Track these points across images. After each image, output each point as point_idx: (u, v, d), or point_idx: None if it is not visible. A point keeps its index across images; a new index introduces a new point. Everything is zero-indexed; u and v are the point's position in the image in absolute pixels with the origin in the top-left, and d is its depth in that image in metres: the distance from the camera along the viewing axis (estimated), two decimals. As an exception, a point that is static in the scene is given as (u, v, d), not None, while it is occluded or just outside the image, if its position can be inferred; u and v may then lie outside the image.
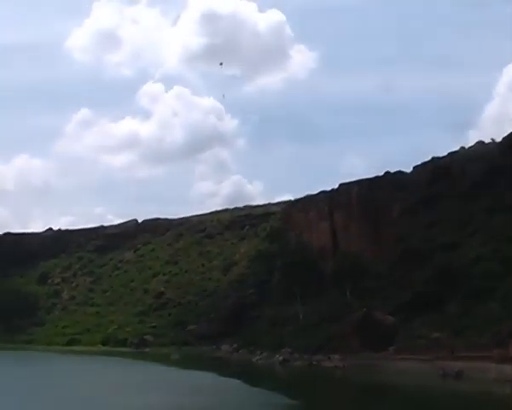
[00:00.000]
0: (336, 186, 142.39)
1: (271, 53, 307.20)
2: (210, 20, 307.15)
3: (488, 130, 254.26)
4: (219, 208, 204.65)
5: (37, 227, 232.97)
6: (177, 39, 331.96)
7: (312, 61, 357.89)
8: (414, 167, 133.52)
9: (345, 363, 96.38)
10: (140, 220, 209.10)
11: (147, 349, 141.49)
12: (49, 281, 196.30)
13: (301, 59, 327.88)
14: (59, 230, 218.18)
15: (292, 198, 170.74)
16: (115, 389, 76.66)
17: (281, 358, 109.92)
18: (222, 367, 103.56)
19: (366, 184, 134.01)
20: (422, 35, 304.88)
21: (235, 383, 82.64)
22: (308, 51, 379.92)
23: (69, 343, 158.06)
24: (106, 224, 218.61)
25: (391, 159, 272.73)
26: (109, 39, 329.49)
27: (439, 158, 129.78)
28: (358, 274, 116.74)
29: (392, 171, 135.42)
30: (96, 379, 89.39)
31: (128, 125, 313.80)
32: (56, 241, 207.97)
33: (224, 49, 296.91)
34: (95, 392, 70.79)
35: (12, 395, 67.25)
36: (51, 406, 61.66)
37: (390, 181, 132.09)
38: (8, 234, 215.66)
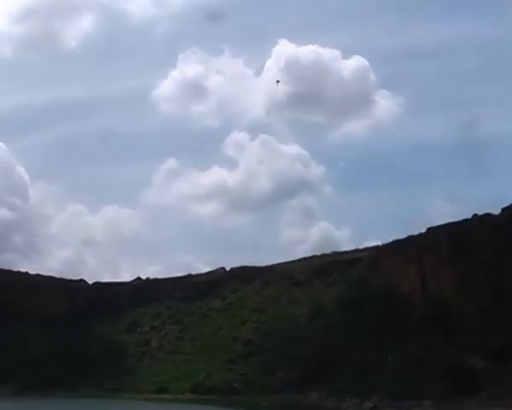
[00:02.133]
0: (424, 230, 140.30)
1: (356, 99, 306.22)
2: (294, 68, 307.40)
3: None
4: (307, 255, 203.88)
5: (125, 276, 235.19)
6: (262, 88, 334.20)
7: (397, 105, 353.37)
8: (502, 209, 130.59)
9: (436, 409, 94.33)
10: (228, 268, 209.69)
11: (235, 397, 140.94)
12: (138, 330, 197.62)
13: (386, 104, 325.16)
14: (147, 279, 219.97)
15: (380, 243, 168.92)
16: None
17: (370, 405, 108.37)
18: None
19: (455, 228, 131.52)
20: (509, 74, 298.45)
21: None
22: (392, 96, 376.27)
23: (158, 391, 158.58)
24: (194, 272, 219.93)
25: (477, 201, 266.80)
26: (195, 90, 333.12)
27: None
28: (449, 318, 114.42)
29: (479, 213, 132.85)
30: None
31: (215, 174, 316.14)
32: (145, 290, 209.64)
33: (309, 97, 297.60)
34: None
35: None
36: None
37: (479, 224, 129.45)
38: (97, 283, 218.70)
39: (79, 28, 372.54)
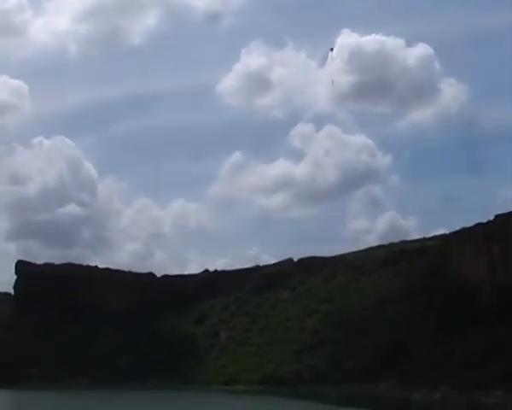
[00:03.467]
0: (492, 218, 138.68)
1: (421, 88, 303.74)
2: (358, 57, 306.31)
3: None
4: (374, 245, 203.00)
5: (193, 269, 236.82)
6: (326, 79, 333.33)
7: (462, 93, 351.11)
8: None
9: (508, 399, 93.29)
10: (295, 259, 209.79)
11: (304, 388, 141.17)
12: (207, 322, 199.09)
13: (451, 92, 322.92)
14: (215, 271, 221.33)
15: (447, 232, 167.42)
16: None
17: (439, 395, 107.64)
18: (380, 405, 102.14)
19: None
20: None
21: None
22: (458, 84, 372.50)
23: (228, 383, 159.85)
24: (261, 264, 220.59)
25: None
26: (259, 82, 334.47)
27: None
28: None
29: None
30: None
31: (281, 166, 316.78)
32: (213, 282, 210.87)
33: (373, 87, 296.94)
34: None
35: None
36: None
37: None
38: (165, 276, 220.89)
39: (144, 24, 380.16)
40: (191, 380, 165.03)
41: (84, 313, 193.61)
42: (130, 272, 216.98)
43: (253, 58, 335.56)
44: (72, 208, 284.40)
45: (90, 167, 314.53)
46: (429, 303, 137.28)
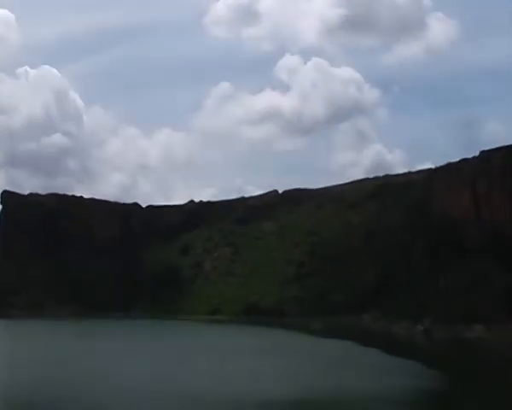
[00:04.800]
0: (477, 154, 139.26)
1: (409, 22, 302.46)
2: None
3: None
4: (360, 178, 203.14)
5: (179, 200, 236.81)
6: (315, 12, 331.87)
7: (451, 28, 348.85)
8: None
9: (487, 334, 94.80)
10: (280, 191, 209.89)
11: (288, 319, 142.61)
12: (191, 252, 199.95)
13: (440, 27, 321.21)
14: (200, 202, 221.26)
15: (433, 166, 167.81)
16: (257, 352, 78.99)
17: (422, 328, 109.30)
18: (362, 337, 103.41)
19: (508, 151, 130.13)
20: None
21: (374, 351, 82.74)
22: (446, 19, 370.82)
23: (212, 313, 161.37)
24: (247, 195, 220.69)
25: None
26: (247, 14, 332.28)
27: None
28: (502, 243, 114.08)
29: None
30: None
31: (268, 98, 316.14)
32: (198, 213, 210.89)
33: (362, 20, 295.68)
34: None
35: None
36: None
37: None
38: (150, 207, 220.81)
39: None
40: (175, 309, 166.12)
41: (69, 242, 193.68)
42: (115, 202, 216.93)
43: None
44: (57, 138, 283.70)
45: (76, 97, 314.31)
46: (414, 237, 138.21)
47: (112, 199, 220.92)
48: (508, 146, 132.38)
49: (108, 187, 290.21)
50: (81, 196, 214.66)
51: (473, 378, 63.71)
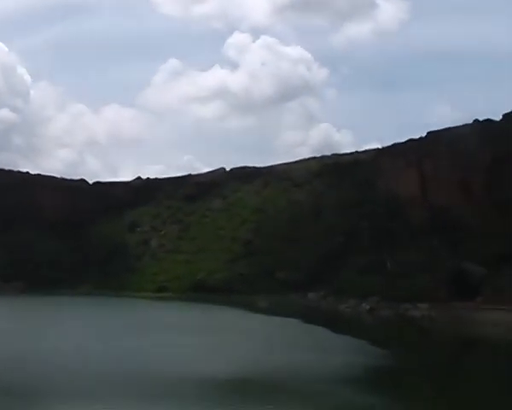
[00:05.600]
0: (424, 134, 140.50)
1: (359, 3, 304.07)
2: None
3: None
4: (307, 157, 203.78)
5: (126, 176, 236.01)
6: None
7: (400, 9, 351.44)
8: (503, 115, 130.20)
9: (432, 313, 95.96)
10: (228, 169, 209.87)
11: (234, 296, 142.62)
12: (138, 229, 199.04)
13: (389, 8, 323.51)
14: (148, 179, 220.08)
15: (380, 146, 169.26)
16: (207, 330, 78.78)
17: (368, 306, 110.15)
18: (308, 314, 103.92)
19: (455, 133, 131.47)
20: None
21: (319, 329, 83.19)
22: (396, 0, 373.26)
23: (159, 290, 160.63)
24: (194, 172, 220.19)
25: (479, 107, 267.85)
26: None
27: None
28: (447, 223, 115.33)
29: (480, 119, 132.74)
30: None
31: (217, 76, 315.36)
32: (145, 190, 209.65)
33: (312, 0, 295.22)
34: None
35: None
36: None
37: (479, 129, 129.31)
38: (97, 183, 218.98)
39: None
40: (123, 287, 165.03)
41: (15, 218, 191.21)
42: (61, 179, 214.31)
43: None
44: (4, 114, 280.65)
45: (23, 72, 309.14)
46: (361, 216, 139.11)
47: (59, 175, 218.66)
48: (454, 127, 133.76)
49: (55, 163, 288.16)
50: (27, 172, 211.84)
51: (416, 353, 65.11)
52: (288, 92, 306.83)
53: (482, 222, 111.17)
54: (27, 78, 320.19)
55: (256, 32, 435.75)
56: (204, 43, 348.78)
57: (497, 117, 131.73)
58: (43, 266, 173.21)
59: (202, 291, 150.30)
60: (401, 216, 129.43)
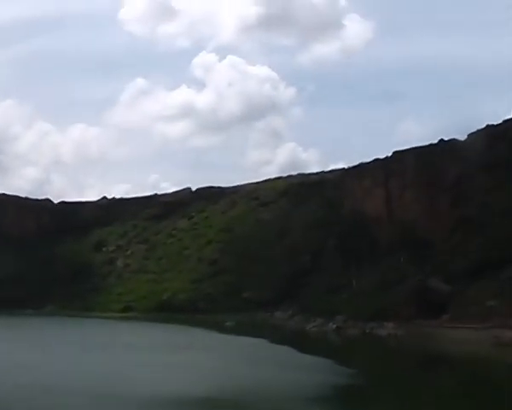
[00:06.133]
0: (390, 154, 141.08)
1: (326, 22, 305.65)
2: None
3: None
4: (274, 176, 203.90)
5: (92, 196, 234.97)
6: (232, 9, 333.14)
7: (366, 29, 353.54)
8: (469, 135, 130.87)
9: (399, 331, 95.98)
10: (194, 188, 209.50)
11: (201, 316, 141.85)
12: (104, 249, 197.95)
13: (355, 27, 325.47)
14: (113, 198, 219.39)
15: (346, 166, 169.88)
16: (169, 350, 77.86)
17: (334, 325, 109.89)
18: (275, 334, 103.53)
19: (421, 152, 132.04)
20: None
21: (286, 349, 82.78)
22: (362, 19, 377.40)
23: (124, 310, 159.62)
24: (160, 192, 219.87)
25: (444, 126, 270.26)
26: (163, 10, 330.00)
27: (494, 125, 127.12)
28: (413, 242, 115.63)
29: (446, 138, 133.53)
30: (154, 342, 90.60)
31: (183, 95, 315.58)
32: (111, 209, 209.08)
33: (279, 19, 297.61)
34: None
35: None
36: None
37: (445, 148, 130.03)
38: (63, 202, 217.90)
39: None
40: (88, 307, 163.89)
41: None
42: (26, 198, 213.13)
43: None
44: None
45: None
46: (327, 235, 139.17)
47: (24, 194, 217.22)
48: (420, 147, 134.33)
49: (21, 182, 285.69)
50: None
51: (381, 371, 64.98)
52: (254, 111, 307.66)
53: (448, 240, 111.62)
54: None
55: (223, 52, 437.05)
56: (171, 62, 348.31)
57: (463, 136, 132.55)
58: (7, 286, 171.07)
59: (168, 311, 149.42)
60: (368, 235, 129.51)
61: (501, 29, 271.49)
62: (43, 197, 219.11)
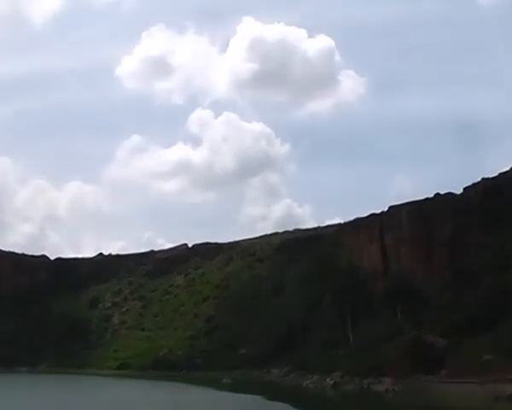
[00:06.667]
0: (386, 209, 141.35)
1: (321, 79, 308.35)
2: (259, 46, 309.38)
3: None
4: (269, 232, 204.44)
5: (88, 252, 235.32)
6: (226, 66, 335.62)
7: (361, 85, 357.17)
8: (464, 188, 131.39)
9: (396, 386, 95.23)
10: (190, 245, 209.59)
11: (197, 373, 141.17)
12: (100, 305, 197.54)
13: (350, 84, 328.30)
14: (110, 255, 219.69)
15: (341, 221, 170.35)
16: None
17: (332, 381, 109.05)
18: (271, 391, 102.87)
19: (416, 206, 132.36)
20: (472, 56, 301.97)
21: (283, 406, 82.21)
22: (357, 76, 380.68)
23: (120, 367, 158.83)
24: (156, 248, 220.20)
25: (440, 180, 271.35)
26: (159, 66, 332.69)
27: (489, 179, 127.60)
28: (409, 296, 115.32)
29: (441, 192, 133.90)
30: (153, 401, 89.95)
31: (179, 151, 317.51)
32: (107, 266, 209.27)
33: (274, 75, 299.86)
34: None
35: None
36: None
37: (440, 203, 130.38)
38: (59, 259, 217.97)
39: (44, 5, 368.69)
40: (83, 364, 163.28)
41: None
42: (22, 254, 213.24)
43: (153, 42, 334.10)
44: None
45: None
46: (323, 290, 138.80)
47: (20, 251, 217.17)
48: (416, 201, 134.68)
49: (17, 238, 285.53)
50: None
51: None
52: (249, 167, 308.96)
53: (444, 294, 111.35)
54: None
55: (218, 108, 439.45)
56: (167, 119, 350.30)
57: (459, 190, 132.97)
58: (2, 344, 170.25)
59: (164, 368, 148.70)
60: (363, 289, 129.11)
61: (494, 82, 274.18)
62: (40, 254, 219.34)
